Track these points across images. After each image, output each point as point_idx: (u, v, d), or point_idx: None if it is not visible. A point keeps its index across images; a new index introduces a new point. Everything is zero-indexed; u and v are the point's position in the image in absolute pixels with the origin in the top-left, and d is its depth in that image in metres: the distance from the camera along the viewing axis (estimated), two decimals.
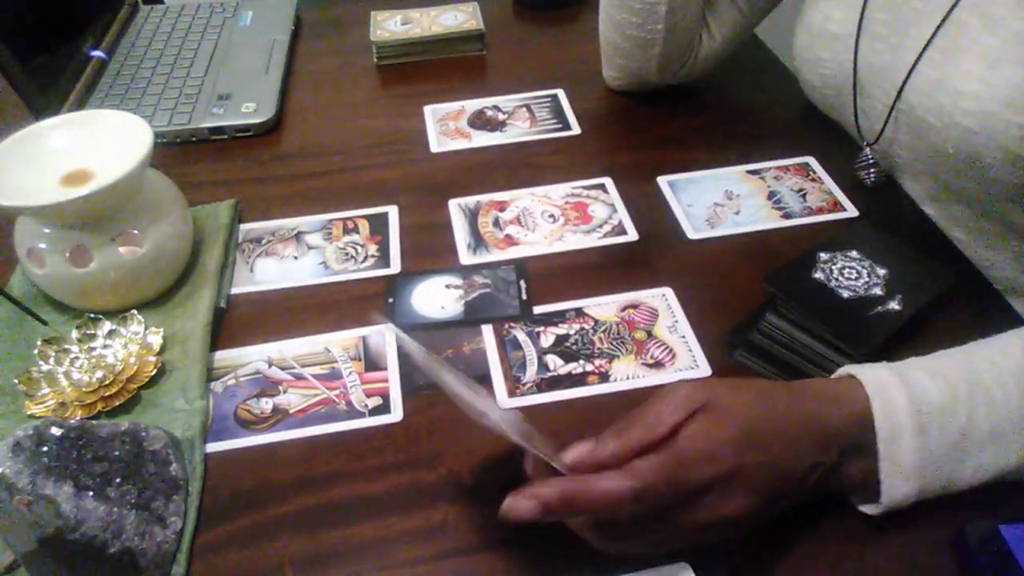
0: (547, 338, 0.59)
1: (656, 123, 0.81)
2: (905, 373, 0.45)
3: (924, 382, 0.44)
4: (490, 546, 0.47)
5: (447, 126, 0.83)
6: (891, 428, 0.43)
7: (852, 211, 0.68)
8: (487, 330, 0.60)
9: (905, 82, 0.62)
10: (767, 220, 0.68)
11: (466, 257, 0.67)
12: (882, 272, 0.58)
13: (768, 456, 0.41)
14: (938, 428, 0.43)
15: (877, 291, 0.56)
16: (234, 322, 0.62)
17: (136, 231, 0.60)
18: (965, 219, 0.65)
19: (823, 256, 0.59)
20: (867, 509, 0.45)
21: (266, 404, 0.56)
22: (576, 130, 0.81)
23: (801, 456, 0.42)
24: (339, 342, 0.60)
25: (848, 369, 0.46)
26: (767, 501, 0.41)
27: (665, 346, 0.58)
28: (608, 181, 0.74)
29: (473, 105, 0.85)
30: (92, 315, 0.59)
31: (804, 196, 0.70)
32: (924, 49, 0.60)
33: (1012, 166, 0.56)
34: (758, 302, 0.59)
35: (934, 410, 0.43)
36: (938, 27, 0.59)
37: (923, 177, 0.66)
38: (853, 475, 0.44)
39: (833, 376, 0.47)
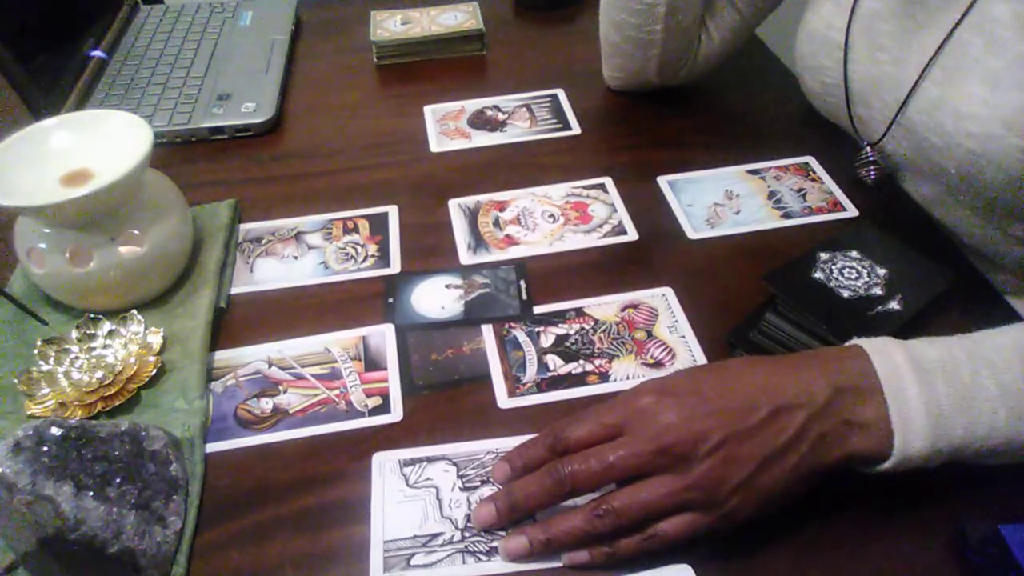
0: (547, 338, 0.59)
1: (656, 123, 0.81)
2: (902, 341, 0.46)
3: (922, 345, 0.45)
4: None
5: (447, 126, 0.83)
6: (894, 378, 0.43)
7: (852, 211, 0.68)
8: (487, 330, 0.60)
9: (907, 98, 0.62)
10: (767, 220, 0.68)
11: (466, 257, 0.67)
12: (882, 272, 0.58)
13: (725, 401, 0.43)
14: (943, 382, 0.43)
15: (877, 291, 0.56)
16: (234, 322, 0.62)
17: (136, 231, 0.60)
18: (966, 223, 0.65)
19: (823, 256, 0.59)
20: (881, 467, 0.44)
21: (266, 404, 0.56)
22: (576, 130, 0.81)
23: (772, 394, 0.43)
24: (339, 342, 0.60)
25: (845, 344, 0.47)
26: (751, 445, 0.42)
27: (665, 346, 0.58)
28: (608, 181, 0.74)
29: (473, 105, 0.85)
30: (92, 315, 0.59)
31: (804, 196, 0.70)
32: (927, 66, 0.60)
33: (1013, 187, 0.56)
34: (758, 302, 0.59)
35: (934, 366, 0.43)
36: (941, 45, 0.59)
37: (924, 181, 0.66)
38: (864, 425, 0.43)
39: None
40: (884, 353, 0.44)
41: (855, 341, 0.46)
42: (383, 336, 0.60)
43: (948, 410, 0.43)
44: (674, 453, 0.42)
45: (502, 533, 0.47)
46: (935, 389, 0.43)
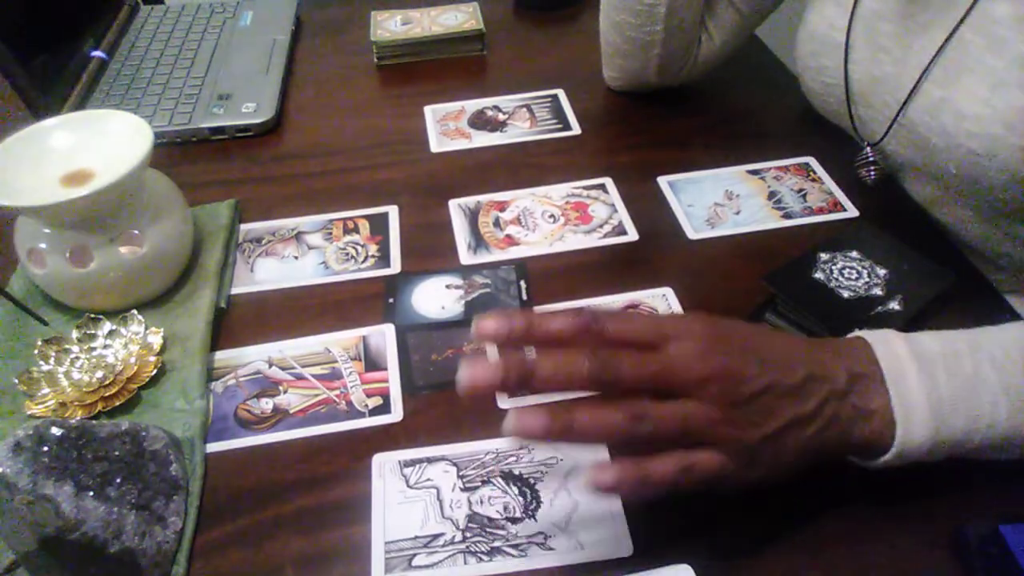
0: None
1: (656, 123, 0.81)
2: (904, 333, 0.45)
3: (924, 337, 0.45)
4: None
5: (447, 126, 0.83)
6: (896, 368, 0.43)
7: (852, 211, 0.68)
8: None
9: (908, 98, 0.62)
10: (767, 220, 0.68)
11: (466, 257, 0.67)
12: (882, 272, 0.58)
13: (769, 353, 0.42)
14: (944, 373, 0.43)
15: (877, 291, 0.56)
16: (234, 322, 0.62)
17: (136, 231, 0.60)
18: (966, 223, 0.65)
19: (823, 256, 0.59)
20: (881, 460, 0.44)
21: (266, 404, 0.56)
22: (576, 130, 0.81)
23: (800, 362, 0.42)
24: (339, 342, 0.60)
25: (848, 335, 0.47)
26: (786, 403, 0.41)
27: None
28: (608, 181, 0.74)
29: (473, 105, 0.85)
30: (92, 315, 0.59)
31: (804, 196, 0.70)
32: (928, 66, 0.60)
33: (1014, 187, 0.56)
34: (758, 302, 0.59)
35: (936, 357, 0.43)
36: (942, 45, 0.59)
37: (925, 181, 0.66)
38: (869, 413, 0.43)
39: None
40: (886, 344, 0.44)
41: (858, 333, 0.46)
42: (383, 336, 0.60)
43: (950, 401, 0.42)
44: (721, 385, 0.40)
45: (501, 532, 0.47)
46: (937, 380, 0.43)
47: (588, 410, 0.39)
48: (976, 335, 0.45)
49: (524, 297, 0.62)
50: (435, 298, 0.63)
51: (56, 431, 0.46)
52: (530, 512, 0.48)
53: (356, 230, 0.70)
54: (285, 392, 0.57)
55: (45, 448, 0.45)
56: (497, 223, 0.70)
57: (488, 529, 0.48)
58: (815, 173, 0.73)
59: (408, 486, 0.50)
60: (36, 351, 0.57)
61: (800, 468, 0.43)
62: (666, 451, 0.40)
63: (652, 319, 0.43)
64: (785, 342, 0.45)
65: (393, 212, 0.72)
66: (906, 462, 0.43)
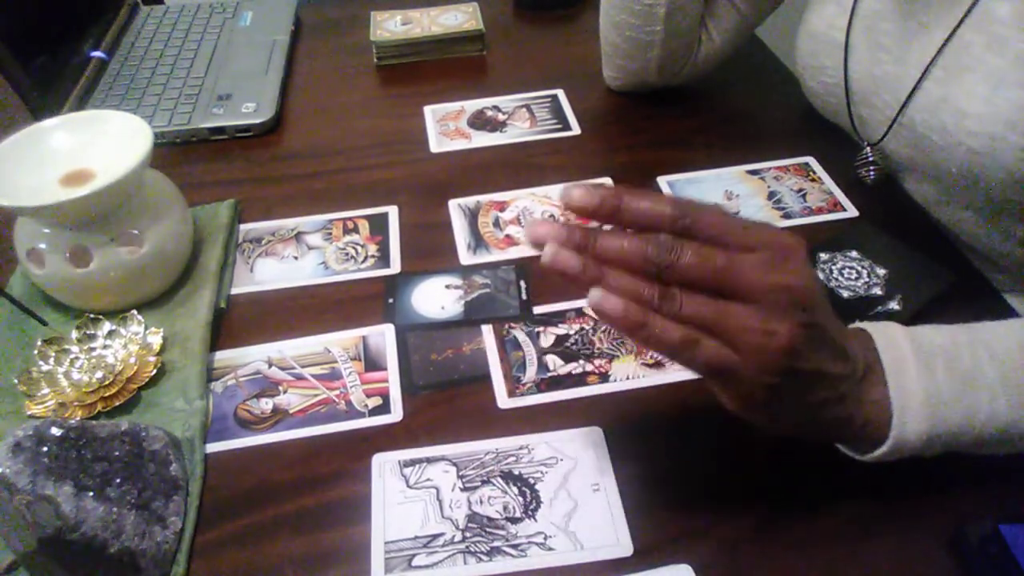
0: (547, 338, 0.59)
1: (656, 123, 0.81)
2: (905, 327, 0.45)
3: (924, 330, 0.45)
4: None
5: (447, 126, 0.83)
6: (895, 360, 0.43)
7: (852, 211, 0.68)
8: (487, 330, 0.60)
9: (909, 98, 0.62)
10: (767, 220, 0.68)
11: (466, 257, 0.67)
12: (882, 272, 0.58)
13: (828, 310, 0.41)
14: (943, 366, 0.43)
15: (877, 291, 0.56)
16: (234, 322, 0.62)
17: (136, 231, 0.60)
18: (967, 223, 0.65)
19: (823, 256, 0.59)
20: (875, 452, 0.43)
21: (266, 404, 0.56)
22: (576, 130, 0.81)
23: (843, 334, 0.42)
24: (339, 342, 0.60)
25: (850, 326, 0.46)
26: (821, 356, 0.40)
27: None
28: (608, 181, 0.74)
29: (473, 105, 0.85)
30: (92, 315, 0.59)
31: (804, 196, 0.70)
32: (929, 66, 0.60)
33: (1015, 187, 0.56)
34: None
35: (936, 350, 0.43)
36: (943, 44, 0.59)
37: (925, 181, 0.66)
38: (869, 402, 0.43)
39: None
40: (887, 336, 0.44)
41: (860, 324, 0.46)
42: (383, 336, 0.60)
43: (947, 395, 0.42)
44: (784, 297, 0.38)
45: (501, 532, 0.47)
46: (935, 373, 0.43)
47: (615, 238, 0.38)
48: (976, 329, 0.45)
49: (524, 297, 0.62)
50: (435, 298, 0.63)
51: (56, 431, 0.46)
52: (530, 512, 0.48)
53: (356, 230, 0.70)
54: (285, 392, 0.57)
55: (45, 448, 0.45)
56: (497, 223, 0.70)
57: (488, 529, 0.48)
58: (815, 173, 0.73)
59: (408, 486, 0.50)
60: (36, 351, 0.57)
61: (795, 431, 0.43)
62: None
63: (745, 227, 0.39)
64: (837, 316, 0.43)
65: (393, 212, 0.72)
66: (901, 455, 0.43)
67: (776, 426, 0.42)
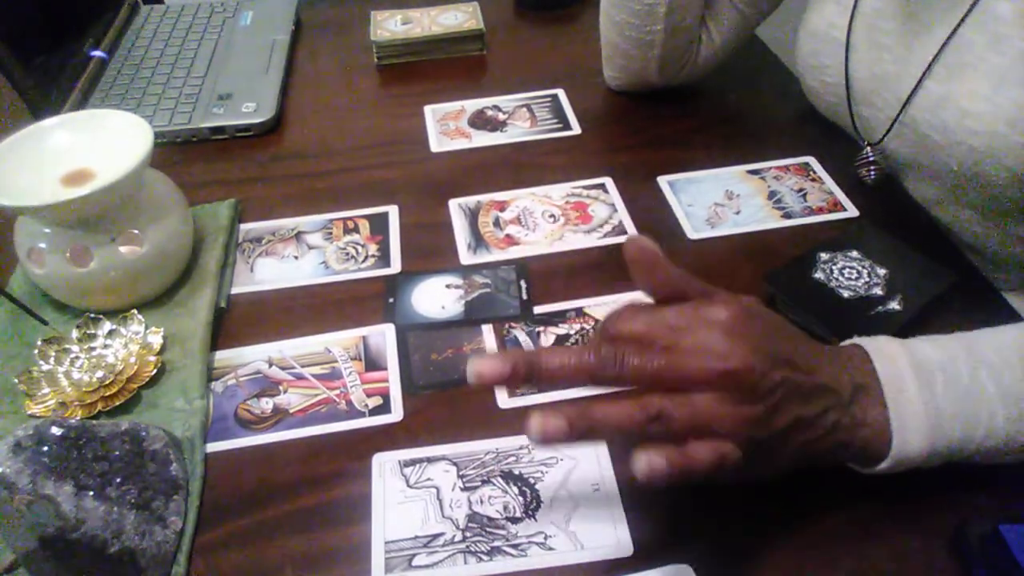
0: (547, 338, 0.59)
1: (656, 123, 0.81)
2: (902, 340, 0.45)
3: (922, 345, 0.45)
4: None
5: (447, 126, 0.83)
6: (894, 379, 0.43)
7: (852, 211, 0.68)
8: (487, 330, 0.60)
9: (910, 97, 0.62)
10: (767, 220, 0.68)
11: (466, 257, 0.67)
12: (882, 272, 0.58)
13: (788, 350, 0.41)
14: (942, 383, 0.43)
15: (877, 291, 0.56)
16: (234, 322, 0.62)
17: (136, 231, 0.60)
18: (967, 223, 0.65)
19: (823, 256, 0.59)
20: (877, 468, 0.44)
21: (266, 404, 0.56)
22: (576, 130, 0.81)
23: (818, 368, 0.42)
24: (339, 342, 0.60)
25: (846, 341, 0.47)
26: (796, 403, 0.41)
27: None
28: (608, 181, 0.74)
29: (473, 105, 0.85)
30: (92, 315, 0.59)
31: (804, 196, 0.70)
32: (930, 65, 0.60)
33: (1016, 185, 0.56)
34: None
35: (934, 367, 0.43)
36: (944, 43, 0.59)
37: (925, 180, 0.66)
38: (866, 424, 0.43)
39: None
40: (885, 353, 0.44)
41: (856, 340, 0.46)
42: (383, 336, 0.60)
43: (947, 412, 0.43)
44: (737, 382, 0.39)
45: (501, 532, 0.47)
46: (934, 390, 0.43)
47: (604, 408, 0.39)
48: (973, 340, 0.45)
49: (524, 297, 0.62)
50: (435, 298, 0.63)
51: (56, 431, 0.46)
52: (530, 512, 0.48)
53: (356, 230, 0.70)
54: (285, 392, 0.57)
55: (45, 448, 0.45)
56: (497, 223, 0.70)
57: (488, 529, 0.48)
58: (815, 173, 0.73)
59: (408, 486, 0.50)
60: (36, 351, 0.57)
61: (794, 469, 0.43)
62: (688, 440, 0.39)
63: (667, 312, 0.42)
64: (807, 345, 0.44)
65: (393, 212, 0.72)
66: (902, 469, 0.44)
67: (769, 474, 0.43)
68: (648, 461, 0.38)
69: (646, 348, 0.40)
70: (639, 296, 0.44)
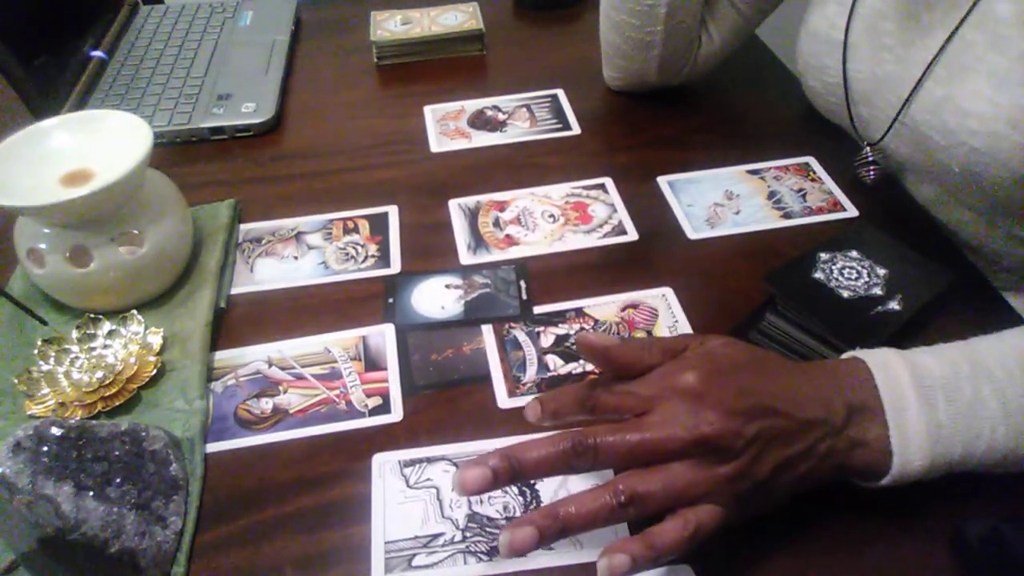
0: (547, 338, 0.59)
1: (656, 123, 0.81)
2: (905, 353, 0.45)
3: (925, 359, 0.45)
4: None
5: (447, 126, 0.83)
6: (896, 398, 0.43)
7: (852, 211, 0.68)
8: (487, 330, 0.60)
9: (910, 97, 0.62)
10: (767, 220, 0.68)
11: (466, 257, 0.67)
12: (882, 272, 0.58)
13: (766, 394, 0.42)
14: (944, 400, 0.43)
15: (877, 291, 0.56)
16: (234, 322, 0.62)
17: (136, 231, 0.60)
18: (967, 223, 0.65)
19: (823, 256, 0.59)
20: (877, 484, 0.44)
21: (266, 404, 0.56)
22: (576, 130, 0.81)
23: (802, 404, 0.42)
24: (339, 342, 0.60)
25: (847, 353, 0.47)
26: (778, 447, 0.42)
27: None
28: (608, 181, 0.74)
29: (473, 105, 0.85)
30: (92, 315, 0.59)
31: (804, 196, 0.70)
32: (930, 65, 0.60)
33: (1016, 186, 0.56)
34: (758, 302, 0.59)
35: (936, 383, 0.43)
36: (944, 43, 0.59)
37: (925, 181, 0.66)
38: (865, 444, 0.43)
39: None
40: (887, 370, 0.44)
41: (858, 353, 0.46)
42: (383, 336, 0.60)
43: (948, 429, 0.43)
44: (711, 446, 0.40)
45: (497, 532, 0.47)
46: (936, 408, 0.43)
47: (575, 503, 0.40)
48: (976, 351, 0.45)
49: (524, 297, 0.62)
50: (435, 298, 0.63)
51: (56, 431, 0.46)
52: (530, 512, 0.48)
53: (356, 230, 0.70)
54: (285, 392, 0.57)
55: (45, 448, 0.45)
56: (497, 223, 0.70)
57: (488, 529, 0.48)
58: (815, 173, 0.73)
59: (408, 486, 0.50)
60: (36, 351, 0.57)
61: (790, 496, 0.44)
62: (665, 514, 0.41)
63: (638, 385, 0.44)
64: (781, 382, 0.44)
65: (393, 212, 0.72)
66: (903, 484, 0.44)
67: (771, 509, 0.44)
68: (609, 565, 0.39)
69: (618, 427, 0.41)
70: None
